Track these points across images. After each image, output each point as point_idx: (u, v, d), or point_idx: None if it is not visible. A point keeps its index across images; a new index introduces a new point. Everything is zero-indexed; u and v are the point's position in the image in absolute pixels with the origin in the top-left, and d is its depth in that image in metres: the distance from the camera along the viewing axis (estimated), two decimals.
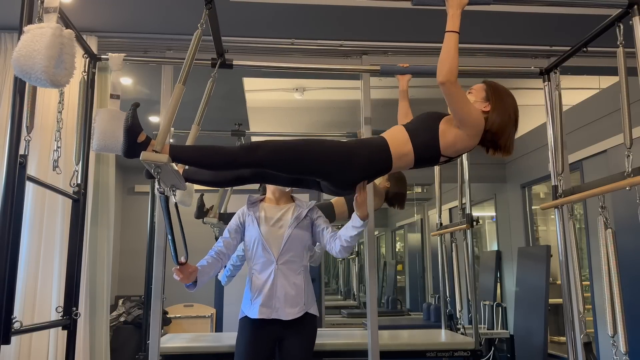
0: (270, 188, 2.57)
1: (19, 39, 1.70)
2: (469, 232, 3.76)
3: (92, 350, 3.16)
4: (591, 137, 4.63)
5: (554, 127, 2.65)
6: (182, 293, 6.23)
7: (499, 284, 6.46)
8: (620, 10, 2.14)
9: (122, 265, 6.44)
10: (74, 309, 2.26)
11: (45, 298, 2.95)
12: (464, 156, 3.87)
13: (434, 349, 3.32)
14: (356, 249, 8.28)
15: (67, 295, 2.27)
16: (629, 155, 2.06)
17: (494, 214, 6.94)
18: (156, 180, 1.72)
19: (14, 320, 1.72)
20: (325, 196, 4.40)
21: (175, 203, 1.84)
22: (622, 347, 2.04)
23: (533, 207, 6.00)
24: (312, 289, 2.49)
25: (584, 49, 2.41)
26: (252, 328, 2.41)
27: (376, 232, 8.21)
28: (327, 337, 3.35)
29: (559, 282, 3.78)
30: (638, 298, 3.92)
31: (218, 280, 6.61)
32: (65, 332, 2.28)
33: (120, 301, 5.90)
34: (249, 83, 4.24)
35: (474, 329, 3.51)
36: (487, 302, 6.21)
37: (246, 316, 2.44)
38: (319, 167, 1.87)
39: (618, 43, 2.16)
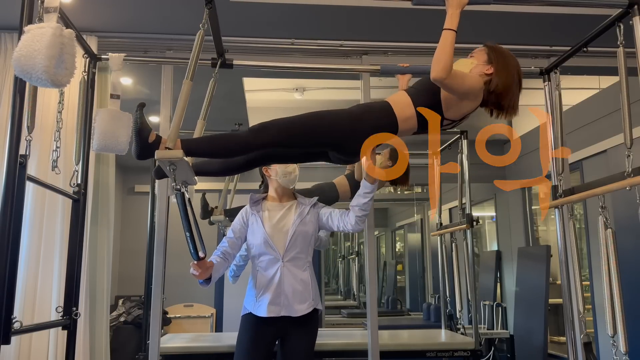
0: (272, 186, 2.57)
1: (19, 39, 1.70)
2: (469, 232, 3.76)
3: (92, 350, 3.16)
4: (591, 137, 4.63)
5: (554, 127, 2.65)
6: (182, 293, 6.27)
7: (499, 284, 6.46)
8: (620, 10, 2.14)
9: (122, 265, 6.44)
10: (74, 309, 2.26)
11: (45, 298, 2.95)
12: (464, 156, 3.87)
13: (434, 349, 3.32)
14: (356, 249, 8.29)
15: (67, 295, 2.27)
16: (629, 155, 2.06)
17: (494, 214, 6.94)
18: (171, 177, 1.72)
19: (14, 320, 1.72)
20: None
21: (189, 199, 1.83)
22: (622, 347, 2.04)
23: (533, 207, 6.00)
24: (317, 284, 2.50)
25: (584, 49, 2.41)
26: (257, 325, 2.40)
27: (376, 232, 8.22)
28: (327, 337, 3.35)
29: (559, 282, 3.78)
30: (638, 298, 3.92)
31: (218, 280, 6.60)
32: (65, 332, 2.28)
33: (120, 301, 5.90)
34: (249, 83, 4.24)
35: (473, 329, 3.51)
36: (487, 302, 6.21)
37: (250, 313, 2.43)
38: (328, 138, 1.89)
39: (618, 43, 2.16)
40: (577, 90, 4.85)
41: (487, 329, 5.76)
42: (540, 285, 4.94)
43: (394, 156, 3.13)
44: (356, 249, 8.11)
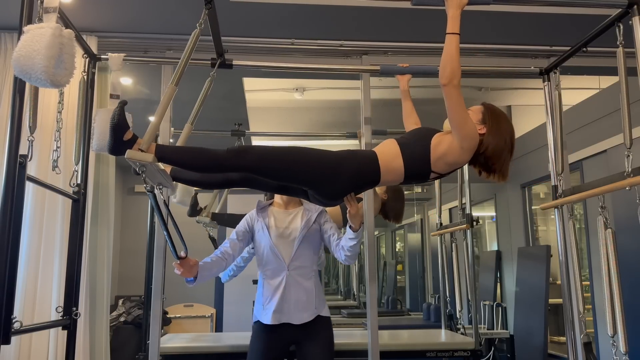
0: (277, 193, 2.56)
1: (19, 39, 1.70)
2: (469, 232, 3.75)
3: (92, 350, 3.16)
4: (591, 137, 4.63)
5: (554, 127, 2.65)
6: (182, 293, 6.27)
7: (499, 284, 6.46)
8: (620, 10, 2.14)
9: (122, 265, 6.44)
10: (74, 309, 2.26)
11: (45, 298, 2.95)
12: None
13: (434, 349, 3.32)
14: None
15: (67, 295, 2.27)
16: (629, 155, 2.06)
17: (494, 214, 6.94)
18: (142, 178, 1.72)
19: (14, 320, 1.72)
20: None
21: (164, 200, 1.82)
22: (622, 347, 2.04)
23: (533, 207, 6.00)
24: (322, 292, 2.52)
25: (584, 49, 2.41)
26: (266, 333, 2.42)
27: (376, 232, 8.21)
28: None
29: (559, 282, 3.78)
30: (638, 298, 3.92)
31: (218, 281, 6.60)
32: (65, 332, 2.28)
33: (120, 301, 5.91)
34: (249, 83, 4.25)
35: (474, 329, 3.51)
36: (487, 302, 6.21)
37: (259, 321, 2.44)
38: (306, 176, 1.84)
39: (618, 43, 2.16)
40: (577, 90, 4.85)
41: (487, 329, 5.76)
42: (540, 285, 4.94)
43: (390, 190, 3.13)
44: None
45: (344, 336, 3.52)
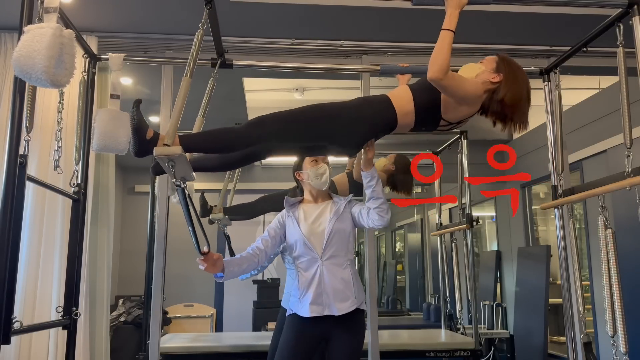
0: (306, 189, 2.56)
1: (19, 39, 1.70)
2: (468, 232, 3.76)
3: (92, 350, 3.16)
4: (591, 137, 4.63)
5: (554, 127, 2.65)
6: (182, 293, 6.26)
7: (499, 284, 6.46)
8: (620, 10, 2.14)
9: (122, 265, 6.44)
10: (74, 309, 2.26)
11: (45, 298, 2.95)
12: (464, 156, 3.87)
13: (434, 349, 3.32)
14: (356, 249, 8.28)
15: (67, 295, 2.27)
16: (629, 155, 2.06)
17: (494, 214, 6.94)
18: (170, 174, 1.72)
19: (14, 320, 1.72)
20: None
21: (189, 195, 1.83)
22: (622, 347, 2.04)
23: (533, 207, 6.00)
24: (360, 283, 2.47)
25: (584, 49, 2.41)
26: (302, 325, 2.38)
27: (376, 232, 8.20)
28: None
29: (559, 282, 3.78)
30: (638, 298, 3.92)
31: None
32: (65, 332, 2.28)
33: (120, 301, 5.91)
34: (249, 83, 4.25)
35: (473, 329, 3.51)
36: (487, 302, 6.21)
37: (295, 313, 2.43)
38: (326, 130, 1.88)
39: (618, 43, 2.16)
40: (577, 90, 4.85)
41: (487, 329, 5.76)
42: (540, 285, 4.94)
43: (398, 161, 3.13)
44: (356, 249, 8.12)
45: None
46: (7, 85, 3.09)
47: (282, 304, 2.94)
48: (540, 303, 4.83)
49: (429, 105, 1.94)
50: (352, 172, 3.19)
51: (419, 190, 7.74)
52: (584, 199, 2.38)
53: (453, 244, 4.09)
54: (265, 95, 4.89)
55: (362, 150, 2.16)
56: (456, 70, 1.96)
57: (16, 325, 1.73)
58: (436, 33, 1.87)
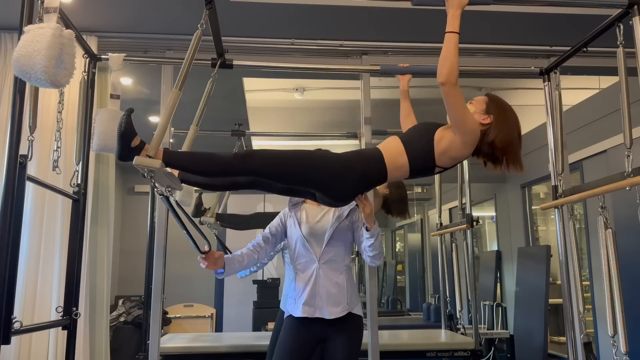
0: None
1: (19, 39, 1.70)
2: (469, 232, 3.76)
3: (92, 350, 3.16)
4: (591, 137, 4.63)
5: (554, 127, 2.65)
6: (182, 293, 6.27)
7: (499, 284, 6.46)
8: (620, 10, 2.14)
9: (122, 265, 6.44)
10: (74, 309, 2.26)
11: (45, 298, 2.95)
12: None
13: (434, 349, 3.32)
14: (356, 249, 8.28)
15: (67, 295, 2.27)
16: (629, 155, 2.06)
17: (494, 214, 6.94)
18: (150, 183, 1.73)
19: (14, 320, 1.72)
20: None
21: (176, 200, 1.86)
22: (622, 347, 2.04)
23: (533, 207, 6.00)
24: (355, 289, 2.49)
25: (584, 49, 2.41)
26: (297, 327, 2.41)
27: None
28: None
29: (559, 282, 3.78)
30: (638, 298, 3.92)
31: (218, 281, 6.60)
32: (65, 332, 2.28)
33: (120, 301, 5.91)
34: (249, 83, 4.24)
35: (474, 329, 3.51)
36: (487, 302, 6.21)
37: (291, 315, 2.44)
38: (314, 178, 1.87)
39: (618, 43, 2.16)
40: (577, 90, 4.84)
41: (487, 329, 5.76)
42: (540, 285, 4.94)
43: (392, 187, 3.13)
44: (356, 249, 8.11)
45: None
46: (7, 85, 3.09)
47: (281, 306, 2.94)
48: (541, 303, 4.84)
49: (423, 155, 1.93)
50: None
51: (419, 190, 7.74)
52: (584, 199, 2.38)
53: (453, 244, 4.09)
54: (265, 95, 4.88)
55: (357, 207, 2.15)
56: None
57: (16, 326, 1.73)
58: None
